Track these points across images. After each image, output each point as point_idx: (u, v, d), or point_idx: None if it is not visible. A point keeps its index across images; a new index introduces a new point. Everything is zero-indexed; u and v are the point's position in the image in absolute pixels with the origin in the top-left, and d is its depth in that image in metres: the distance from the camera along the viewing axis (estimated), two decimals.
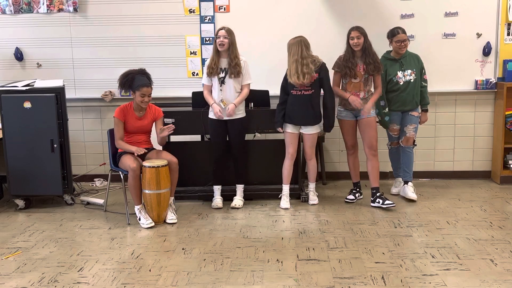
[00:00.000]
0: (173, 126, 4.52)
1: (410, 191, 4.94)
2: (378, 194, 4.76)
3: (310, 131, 4.74)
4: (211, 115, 4.76)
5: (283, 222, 4.43)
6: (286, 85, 4.71)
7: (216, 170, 4.89)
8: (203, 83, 4.78)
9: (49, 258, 3.72)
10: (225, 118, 4.69)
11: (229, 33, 4.60)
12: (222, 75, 4.64)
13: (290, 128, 4.75)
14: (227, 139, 4.81)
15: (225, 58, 4.64)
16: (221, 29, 4.63)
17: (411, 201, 4.91)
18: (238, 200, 4.87)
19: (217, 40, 4.59)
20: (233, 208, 4.81)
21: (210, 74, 4.66)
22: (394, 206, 4.65)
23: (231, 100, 4.67)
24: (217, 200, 4.86)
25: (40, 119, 4.76)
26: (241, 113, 4.75)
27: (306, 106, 4.67)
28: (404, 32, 4.81)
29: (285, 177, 4.85)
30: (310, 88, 4.65)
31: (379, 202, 4.71)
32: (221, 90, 4.65)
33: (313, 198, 4.89)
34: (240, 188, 4.93)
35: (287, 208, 4.77)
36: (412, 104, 4.91)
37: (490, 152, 5.70)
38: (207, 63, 4.74)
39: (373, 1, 5.46)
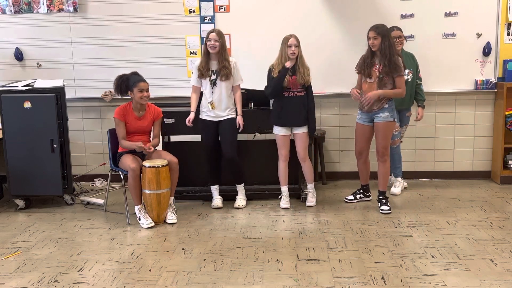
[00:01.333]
0: (149, 150, 4.49)
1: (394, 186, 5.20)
2: (380, 197, 4.72)
3: (302, 130, 4.72)
4: (202, 116, 4.76)
5: (283, 222, 4.43)
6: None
7: (211, 171, 4.89)
8: (192, 84, 4.77)
9: (49, 258, 3.72)
10: (217, 119, 4.71)
11: (220, 35, 4.58)
12: (213, 77, 4.64)
13: (282, 131, 4.73)
14: (218, 139, 4.80)
15: (215, 61, 4.64)
16: (212, 31, 4.61)
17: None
18: (240, 200, 4.87)
19: (208, 43, 4.57)
20: (237, 208, 4.81)
21: (201, 76, 4.66)
22: (389, 213, 4.58)
23: (222, 102, 4.67)
24: (217, 200, 4.86)
25: (40, 119, 4.76)
26: (232, 114, 4.75)
27: (298, 108, 4.66)
28: (399, 29, 4.85)
29: (281, 179, 4.85)
30: (302, 90, 4.66)
31: (378, 205, 4.70)
32: (212, 92, 4.66)
33: (311, 200, 4.87)
34: (241, 188, 4.93)
35: (287, 208, 4.78)
36: (409, 103, 4.97)
37: (490, 152, 5.70)
38: (196, 64, 4.71)
39: (373, 1, 5.46)
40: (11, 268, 3.56)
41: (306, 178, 4.90)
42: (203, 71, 4.64)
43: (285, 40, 4.60)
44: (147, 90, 4.49)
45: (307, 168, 4.83)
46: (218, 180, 4.93)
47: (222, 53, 4.60)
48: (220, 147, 4.79)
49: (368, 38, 4.50)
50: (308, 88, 4.69)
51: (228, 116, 4.72)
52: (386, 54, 4.44)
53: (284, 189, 4.86)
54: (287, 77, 4.58)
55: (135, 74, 4.58)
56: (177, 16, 5.59)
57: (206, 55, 4.64)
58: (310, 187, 4.90)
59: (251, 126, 4.91)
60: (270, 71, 4.69)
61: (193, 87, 4.78)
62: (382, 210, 4.62)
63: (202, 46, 4.76)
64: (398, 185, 5.19)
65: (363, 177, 4.91)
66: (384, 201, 4.68)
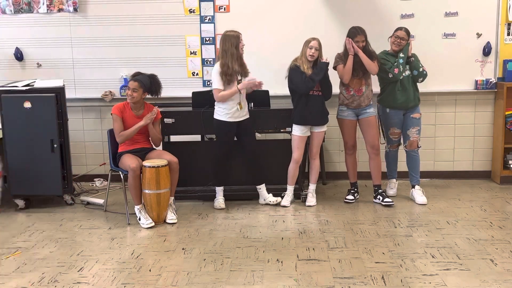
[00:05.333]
0: (157, 108, 4.56)
1: (418, 195, 4.92)
2: (380, 191, 4.85)
3: (320, 129, 4.79)
4: (225, 118, 4.63)
5: (283, 222, 4.43)
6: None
7: (220, 171, 4.86)
8: (217, 87, 4.55)
9: (49, 258, 3.72)
10: (238, 119, 4.67)
11: None
12: (239, 78, 4.64)
13: (300, 131, 4.74)
14: (235, 139, 4.78)
15: (237, 61, 4.60)
16: (239, 33, 4.61)
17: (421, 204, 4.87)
18: (272, 197, 4.89)
19: (241, 45, 4.57)
20: (269, 204, 4.85)
21: (230, 81, 4.57)
22: (393, 204, 4.75)
23: (245, 100, 4.74)
24: (220, 201, 4.85)
25: (40, 119, 4.76)
26: (248, 114, 4.79)
27: (319, 106, 4.72)
28: (407, 32, 4.76)
29: (289, 179, 4.87)
30: (320, 90, 4.70)
31: (379, 199, 4.81)
32: (240, 93, 4.63)
33: (311, 200, 4.87)
34: (263, 188, 4.91)
35: (286, 206, 4.80)
36: (415, 101, 4.89)
37: (490, 152, 5.70)
38: (223, 70, 4.52)
39: (373, 1, 5.46)
40: (11, 268, 3.56)
41: (310, 177, 4.91)
42: (233, 75, 4.58)
43: (307, 42, 4.65)
44: (134, 90, 4.47)
45: (315, 166, 4.88)
46: (225, 181, 4.90)
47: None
48: (232, 148, 4.78)
49: (356, 42, 4.65)
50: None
51: (247, 116, 4.76)
52: (366, 51, 4.68)
53: (290, 188, 4.88)
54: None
55: (149, 77, 4.60)
56: (177, 16, 5.59)
57: (237, 58, 4.57)
58: (312, 187, 4.91)
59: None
60: (295, 69, 4.63)
61: (217, 90, 4.57)
62: (386, 202, 4.75)
63: (227, 50, 4.53)
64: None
65: (353, 174, 5.00)
66: (384, 194, 4.84)
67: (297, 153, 4.78)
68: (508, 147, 5.48)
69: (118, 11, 5.59)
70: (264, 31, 5.54)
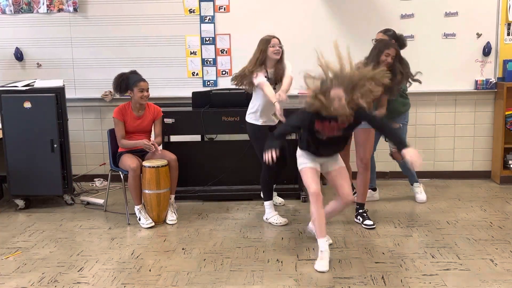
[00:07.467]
0: (154, 148, 4.37)
1: (417, 193, 4.93)
2: (360, 211, 4.33)
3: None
4: (259, 121, 4.29)
5: None
6: None
7: (270, 183, 4.44)
8: (264, 81, 4.10)
9: (49, 258, 3.72)
10: (273, 123, 4.36)
11: (280, 41, 4.23)
12: (272, 86, 4.19)
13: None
14: None
15: (271, 69, 4.22)
16: (273, 37, 4.18)
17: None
18: (277, 198, 4.89)
19: (272, 49, 4.13)
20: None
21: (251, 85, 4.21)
22: (374, 228, 4.18)
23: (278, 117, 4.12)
24: (279, 217, 4.38)
25: (40, 119, 4.76)
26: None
27: None
28: (387, 35, 4.42)
29: (320, 230, 3.61)
30: None
31: (359, 220, 4.29)
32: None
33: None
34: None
35: (323, 272, 3.52)
36: (394, 113, 4.50)
37: (490, 152, 5.70)
38: (239, 72, 4.25)
39: (373, 1, 5.46)
40: (11, 268, 3.56)
41: None
42: (249, 79, 4.19)
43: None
44: (147, 90, 4.49)
45: None
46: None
47: (283, 60, 4.23)
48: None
49: (386, 55, 4.07)
50: None
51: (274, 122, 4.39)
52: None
53: (324, 244, 3.53)
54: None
55: (134, 73, 4.57)
56: (177, 16, 5.59)
57: (262, 63, 4.17)
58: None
59: None
60: None
61: (265, 82, 4.11)
62: (366, 225, 4.21)
63: (255, 54, 4.21)
64: (419, 191, 4.94)
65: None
66: (365, 215, 4.30)
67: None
68: (508, 147, 5.48)
69: (118, 11, 5.59)
70: (264, 31, 5.50)
